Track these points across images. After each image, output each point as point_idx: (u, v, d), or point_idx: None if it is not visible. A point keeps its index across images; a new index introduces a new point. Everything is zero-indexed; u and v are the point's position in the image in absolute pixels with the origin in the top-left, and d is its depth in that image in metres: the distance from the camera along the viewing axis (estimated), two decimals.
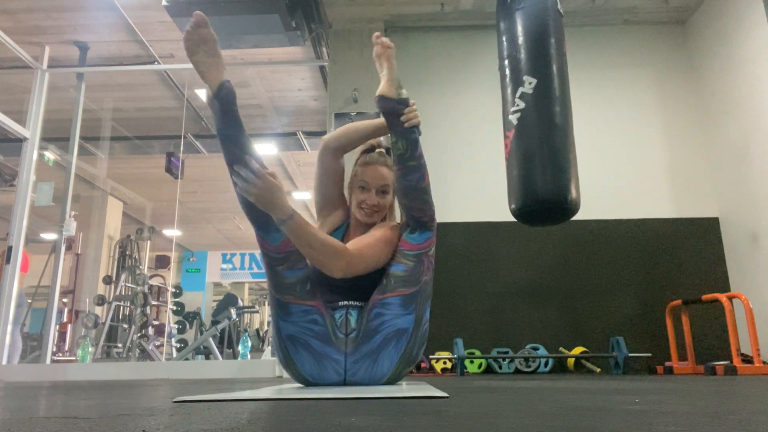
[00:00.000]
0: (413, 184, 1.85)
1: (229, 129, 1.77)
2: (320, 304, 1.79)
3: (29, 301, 6.53)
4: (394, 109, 1.85)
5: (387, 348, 1.76)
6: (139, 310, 7.11)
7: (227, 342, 7.63)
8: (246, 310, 9.58)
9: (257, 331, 12.29)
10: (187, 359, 6.67)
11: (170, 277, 9.86)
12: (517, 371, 4.32)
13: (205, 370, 4.24)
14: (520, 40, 3.01)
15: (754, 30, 4.21)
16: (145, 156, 7.83)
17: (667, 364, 4.03)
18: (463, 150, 4.88)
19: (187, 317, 8.83)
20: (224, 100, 1.75)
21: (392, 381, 1.82)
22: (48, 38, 5.38)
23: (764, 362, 3.65)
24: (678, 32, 5.12)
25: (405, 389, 1.55)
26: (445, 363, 4.36)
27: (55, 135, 6.27)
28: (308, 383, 1.81)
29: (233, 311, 7.41)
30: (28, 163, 4.92)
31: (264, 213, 1.72)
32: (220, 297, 9.81)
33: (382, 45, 1.94)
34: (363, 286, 1.85)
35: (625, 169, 4.79)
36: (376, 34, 1.97)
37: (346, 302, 1.84)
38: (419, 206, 1.87)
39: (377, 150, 2.05)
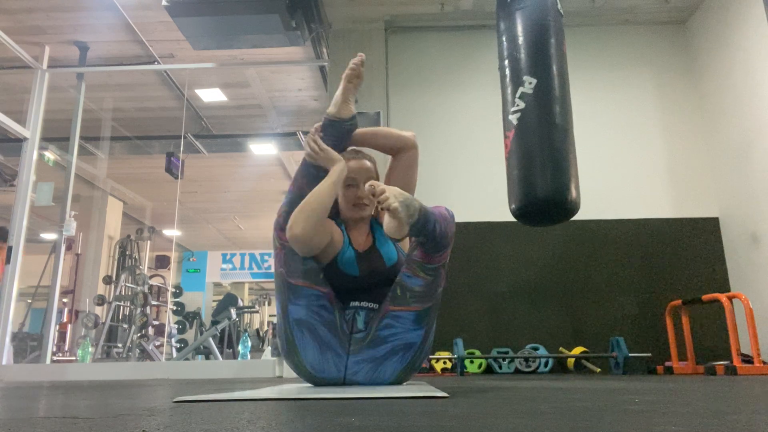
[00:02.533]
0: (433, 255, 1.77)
1: (336, 144, 1.95)
2: (331, 294, 1.80)
3: (29, 301, 6.53)
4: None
5: (392, 358, 1.75)
6: (139, 310, 7.11)
7: (227, 342, 7.63)
8: (246, 310, 9.58)
9: (257, 331, 12.28)
10: (187, 359, 6.67)
11: (170, 277, 9.86)
12: (517, 371, 4.32)
13: (205, 370, 4.24)
14: (520, 40, 3.01)
15: (754, 30, 4.21)
16: (145, 156, 7.83)
17: (667, 364, 4.03)
18: (463, 150, 4.88)
19: (187, 317, 8.83)
20: (350, 128, 1.98)
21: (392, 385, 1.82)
22: (48, 38, 5.38)
23: (764, 362, 3.65)
24: (678, 32, 5.12)
25: (405, 389, 1.55)
26: (445, 363, 4.36)
27: (55, 135, 6.27)
28: (308, 375, 1.80)
29: (233, 311, 7.41)
30: (28, 163, 4.92)
31: None
32: (220, 297, 9.81)
33: (374, 196, 1.70)
34: (375, 288, 1.84)
35: (625, 169, 4.78)
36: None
37: (357, 303, 1.83)
38: (430, 243, 1.77)
39: (350, 149, 2.05)
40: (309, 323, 1.75)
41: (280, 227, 1.85)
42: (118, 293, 7.80)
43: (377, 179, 1.99)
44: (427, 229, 1.71)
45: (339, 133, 1.95)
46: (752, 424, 0.79)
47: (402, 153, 2.04)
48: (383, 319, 1.76)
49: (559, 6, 3.07)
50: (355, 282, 1.85)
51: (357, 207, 1.95)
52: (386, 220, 1.73)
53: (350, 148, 2.06)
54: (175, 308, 8.68)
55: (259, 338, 10.81)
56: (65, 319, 7.78)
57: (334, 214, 2.00)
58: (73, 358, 6.62)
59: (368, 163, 1.99)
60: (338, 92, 1.96)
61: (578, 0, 4.81)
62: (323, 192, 1.82)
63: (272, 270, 1.91)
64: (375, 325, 1.76)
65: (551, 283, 4.56)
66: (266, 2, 4.35)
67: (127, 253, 8.66)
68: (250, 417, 0.93)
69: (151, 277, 8.19)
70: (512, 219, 3.08)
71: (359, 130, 2.04)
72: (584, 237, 4.62)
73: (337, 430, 0.74)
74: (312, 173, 1.92)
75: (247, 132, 7.44)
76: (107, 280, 8.11)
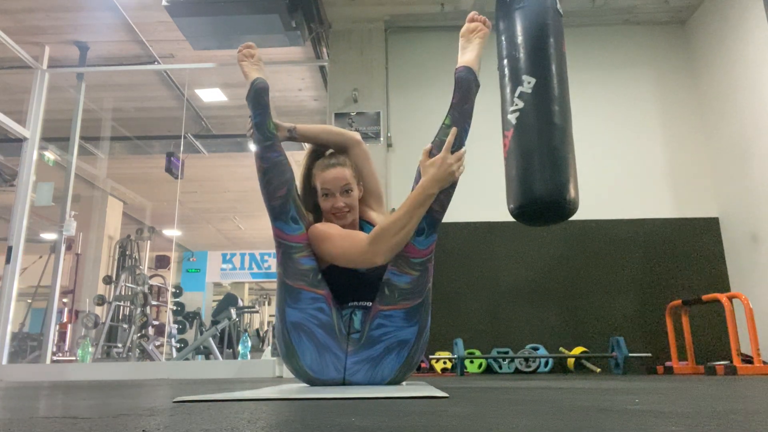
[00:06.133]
0: None
1: (256, 114, 2.00)
2: (329, 295, 1.80)
3: (29, 301, 6.53)
4: (471, 83, 2.10)
5: (388, 357, 1.75)
6: (139, 310, 7.11)
7: (227, 342, 7.63)
8: (246, 310, 9.57)
9: (257, 331, 12.28)
10: (187, 359, 6.67)
11: (170, 277, 9.85)
12: (517, 371, 4.32)
13: (205, 370, 4.24)
14: (520, 39, 3.01)
15: (754, 30, 4.21)
16: (145, 156, 7.83)
17: (667, 364, 4.03)
18: None
19: (187, 317, 8.84)
20: (260, 85, 2.04)
21: (392, 384, 1.82)
22: (48, 38, 5.38)
23: (764, 362, 3.65)
24: (678, 32, 5.12)
25: (405, 389, 1.54)
26: (445, 363, 4.36)
27: (55, 135, 6.26)
28: (308, 377, 1.80)
29: (233, 311, 7.41)
30: (28, 163, 4.92)
31: (284, 204, 1.84)
32: (220, 297, 9.80)
33: (483, 22, 2.14)
34: (373, 287, 1.84)
35: (625, 169, 4.78)
36: (474, 12, 2.17)
37: (355, 303, 1.83)
38: (444, 201, 1.83)
39: (327, 153, 2.06)
40: (306, 327, 1.75)
41: (274, 220, 1.86)
42: (118, 293, 7.79)
43: (353, 185, 1.97)
44: (464, 126, 2.05)
45: (255, 93, 2.02)
46: (752, 424, 0.79)
47: (350, 150, 2.08)
48: (374, 319, 1.76)
49: (558, 6, 3.07)
50: (362, 278, 1.85)
51: (337, 217, 1.94)
52: (474, 50, 2.15)
53: (327, 152, 2.07)
54: (175, 308, 8.69)
55: (259, 338, 10.81)
56: (65, 319, 7.78)
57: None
58: (73, 358, 6.62)
59: (344, 170, 1.96)
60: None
61: (578, 0, 4.81)
62: (411, 223, 1.76)
63: (273, 269, 1.94)
64: (367, 326, 1.77)
65: (551, 283, 4.56)
66: (266, 2, 4.35)
67: (127, 253, 8.65)
68: (250, 417, 0.93)
69: (151, 277, 8.19)
70: (512, 219, 3.08)
71: (303, 126, 2.10)
72: (584, 237, 4.62)
73: (337, 430, 0.74)
74: (261, 146, 1.96)
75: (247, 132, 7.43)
76: (107, 280, 8.11)
